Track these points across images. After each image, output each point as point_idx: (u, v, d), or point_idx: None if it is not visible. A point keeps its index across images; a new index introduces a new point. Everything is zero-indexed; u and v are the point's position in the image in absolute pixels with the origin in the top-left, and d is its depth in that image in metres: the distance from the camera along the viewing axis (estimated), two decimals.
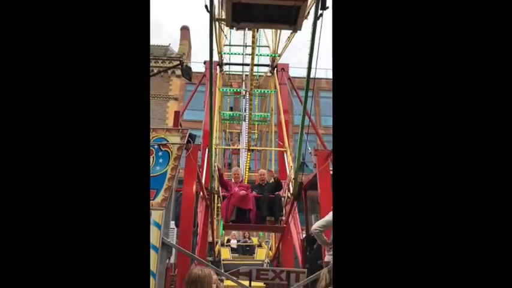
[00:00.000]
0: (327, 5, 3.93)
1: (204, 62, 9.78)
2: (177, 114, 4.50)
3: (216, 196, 6.32)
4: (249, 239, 10.30)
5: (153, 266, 3.36)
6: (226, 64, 10.02)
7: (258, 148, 11.97)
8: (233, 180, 6.44)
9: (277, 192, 6.23)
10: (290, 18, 4.44)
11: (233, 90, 11.80)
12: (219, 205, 6.66)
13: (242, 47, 10.01)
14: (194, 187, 5.17)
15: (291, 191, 5.71)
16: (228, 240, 10.15)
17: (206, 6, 4.25)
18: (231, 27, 4.77)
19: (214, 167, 5.88)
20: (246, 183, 6.99)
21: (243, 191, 5.86)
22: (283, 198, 6.17)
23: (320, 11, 3.99)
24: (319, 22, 4.10)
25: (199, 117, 10.41)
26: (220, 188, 6.20)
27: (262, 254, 9.21)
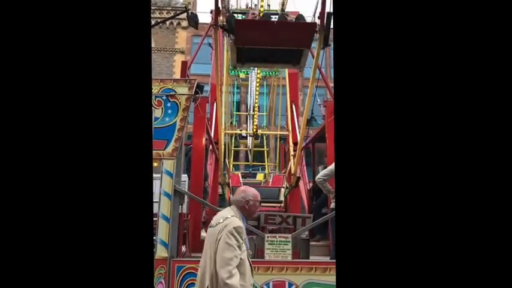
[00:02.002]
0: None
1: (211, 12, 9.52)
2: (184, 65, 4.52)
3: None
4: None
5: (167, 212, 3.58)
6: (234, 13, 9.74)
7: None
8: None
9: None
10: (293, 59, 4.51)
11: None
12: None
13: None
14: (203, 139, 5.30)
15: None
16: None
17: None
18: (235, 67, 4.84)
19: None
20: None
21: None
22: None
23: None
24: None
25: (206, 71, 10.32)
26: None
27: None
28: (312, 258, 3.83)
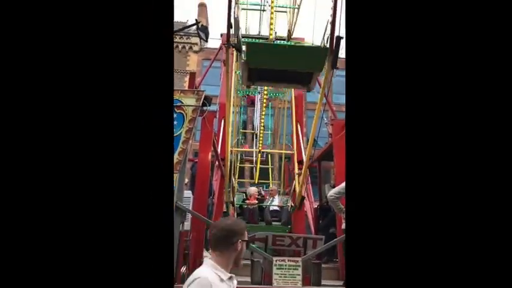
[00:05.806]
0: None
1: (221, 35, 9.29)
2: (192, 76, 4.14)
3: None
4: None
5: None
6: (244, 36, 9.48)
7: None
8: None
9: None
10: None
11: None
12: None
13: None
14: (209, 154, 4.87)
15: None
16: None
17: None
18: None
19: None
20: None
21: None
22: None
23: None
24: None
25: (215, 92, 10.06)
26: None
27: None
28: (324, 283, 3.29)
